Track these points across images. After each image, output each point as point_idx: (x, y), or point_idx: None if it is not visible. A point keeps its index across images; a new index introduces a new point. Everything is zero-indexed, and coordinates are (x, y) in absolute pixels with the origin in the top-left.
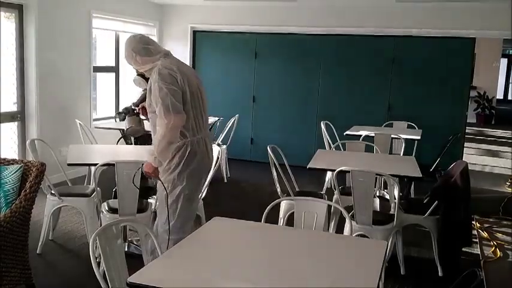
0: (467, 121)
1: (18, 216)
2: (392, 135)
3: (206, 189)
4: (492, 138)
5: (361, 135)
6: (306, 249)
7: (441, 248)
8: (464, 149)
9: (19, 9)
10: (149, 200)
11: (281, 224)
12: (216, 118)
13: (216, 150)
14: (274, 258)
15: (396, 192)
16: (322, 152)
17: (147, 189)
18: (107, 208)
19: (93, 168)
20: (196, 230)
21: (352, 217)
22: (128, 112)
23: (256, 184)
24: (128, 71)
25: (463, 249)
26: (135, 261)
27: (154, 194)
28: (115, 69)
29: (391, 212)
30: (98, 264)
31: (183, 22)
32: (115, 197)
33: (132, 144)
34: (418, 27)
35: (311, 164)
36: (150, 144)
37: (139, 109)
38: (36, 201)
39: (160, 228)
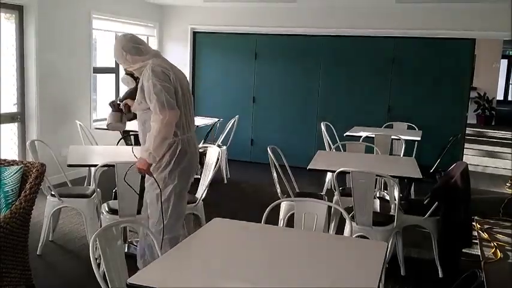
0: (468, 122)
1: (18, 217)
2: (392, 136)
3: (206, 190)
4: (492, 139)
5: (361, 136)
6: (306, 250)
7: (441, 249)
8: (465, 150)
9: (19, 10)
10: None
11: (281, 225)
12: (216, 119)
13: (216, 151)
14: (274, 259)
15: (396, 193)
16: (322, 153)
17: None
18: (107, 209)
19: (93, 169)
20: (196, 231)
21: (352, 218)
22: (114, 106)
23: (256, 185)
24: None
25: (463, 250)
26: (135, 262)
27: None
28: (115, 70)
29: (391, 213)
30: (98, 265)
31: (183, 23)
32: (115, 198)
33: (132, 145)
34: (418, 28)
35: (311, 165)
36: None
37: (123, 104)
38: (36, 202)
39: (153, 229)
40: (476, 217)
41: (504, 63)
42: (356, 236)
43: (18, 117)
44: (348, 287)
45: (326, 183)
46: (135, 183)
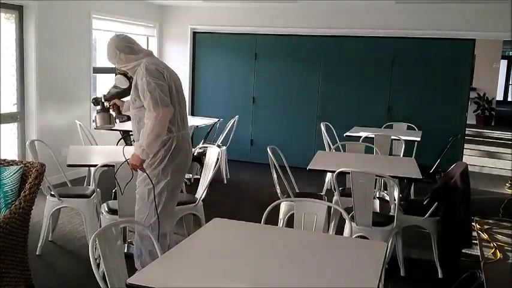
0: (467, 122)
1: (18, 217)
2: (392, 137)
3: (206, 191)
4: (492, 140)
5: (361, 137)
6: (306, 250)
7: (441, 249)
8: (464, 150)
9: (19, 10)
10: None
11: (281, 225)
12: (216, 119)
13: (215, 151)
14: (274, 260)
15: (396, 194)
16: (322, 153)
17: None
18: (106, 209)
19: (92, 169)
20: (196, 231)
21: (352, 218)
22: (102, 106)
23: (256, 185)
24: None
25: (463, 250)
26: (134, 262)
27: None
28: (115, 71)
29: (391, 213)
30: (98, 265)
31: (183, 23)
32: (115, 198)
33: (132, 145)
34: (417, 28)
35: (311, 165)
36: None
37: (110, 106)
38: (36, 202)
39: (141, 225)
40: (476, 217)
41: (504, 63)
42: (356, 237)
43: (18, 117)
44: (348, 287)
45: (326, 183)
46: (132, 181)
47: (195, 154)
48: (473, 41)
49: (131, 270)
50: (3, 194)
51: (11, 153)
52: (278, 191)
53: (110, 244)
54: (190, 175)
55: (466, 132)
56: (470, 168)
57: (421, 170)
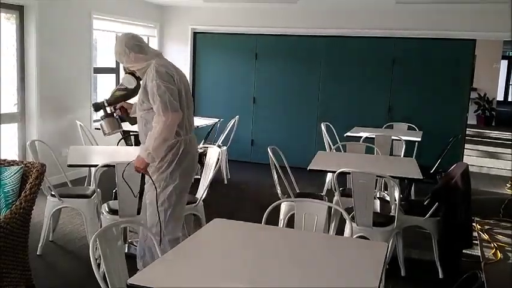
0: (468, 123)
1: (19, 218)
2: (392, 137)
3: (206, 191)
4: (492, 140)
5: (361, 137)
6: (306, 250)
7: (442, 249)
8: (465, 150)
9: (20, 11)
10: None
11: (281, 226)
12: (216, 119)
13: (216, 151)
14: (274, 260)
15: (397, 194)
16: (322, 154)
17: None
18: (107, 209)
19: (93, 169)
20: (196, 231)
21: (353, 219)
22: (106, 112)
23: (256, 185)
24: None
25: (464, 251)
26: (135, 263)
27: None
28: (115, 71)
29: (392, 213)
30: (98, 265)
31: (183, 23)
32: (115, 198)
33: (132, 145)
34: (418, 28)
35: (311, 166)
36: None
37: (117, 109)
38: (37, 202)
39: (153, 230)
40: (476, 218)
41: (504, 63)
42: (356, 237)
43: (19, 117)
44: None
45: (326, 183)
46: (136, 183)
47: None
48: (473, 41)
49: (132, 270)
50: (4, 194)
51: (11, 153)
52: (278, 191)
53: (111, 244)
54: None
55: (467, 132)
56: (470, 169)
57: (421, 170)
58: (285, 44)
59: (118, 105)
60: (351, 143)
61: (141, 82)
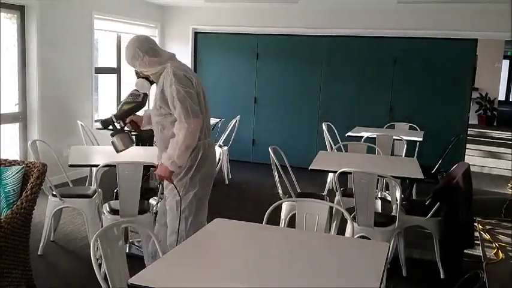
0: (469, 122)
1: (20, 218)
2: (394, 137)
3: None
4: (494, 140)
5: (362, 137)
6: (308, 250)
7: (443, 249)
8: (466, 150)
9: (21, 11)
10: (150, 201)
11: (282, 226)
12: (218, 119)
13: (217, 151)
14: (276, 260)
15: (398, 194)
16: (323, 154)
17: (147, 191)
18: (108, 209)
19: (94, 169)
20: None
21: (354, 219)
22: (115, 128)
23: (257, 185)
24: (129, 73)
25: (465, 251)
26: (136, 263)
27: (155, 195)
28: (116, 71)
29: (393, 213)
30: (99, 265)
31: (184, 23)
32: (116, 198)
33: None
34: (419, 28)
35: (313, 166)
36: (152, 145)
37: (128, 123)
38: (38, 202)
39: (171, 237)
40: (478, 218)
41: (506, 63)
42: (357, 237)
43: (20, 117)
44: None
45: (327, 183)
46: (134, 181)
47: None
48: (475, 41)
49: (133, 270)
50: (5, 194)
51: (12, 153)
52: (280, 191)
53: (112, 244)
54: None
55: (468, 132)
56: (472, 169)
57: (423, 170)
58: (286, 44)
59: (128, 120)
60: (352, 142)
61: (156, 86)
